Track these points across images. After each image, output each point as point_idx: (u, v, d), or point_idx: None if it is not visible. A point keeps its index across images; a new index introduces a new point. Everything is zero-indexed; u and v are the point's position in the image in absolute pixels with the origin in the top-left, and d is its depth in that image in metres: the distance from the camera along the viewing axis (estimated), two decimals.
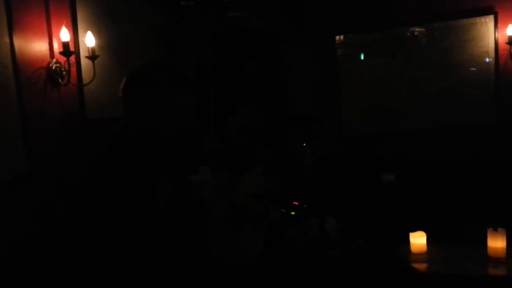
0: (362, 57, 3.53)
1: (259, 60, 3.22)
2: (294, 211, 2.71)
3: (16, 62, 1.87)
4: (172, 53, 3.10)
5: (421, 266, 2.31)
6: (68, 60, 2.09)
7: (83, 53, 2.23)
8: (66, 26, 2.11)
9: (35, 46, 1.99)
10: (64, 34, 2.04)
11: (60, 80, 2.09)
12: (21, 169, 1.85)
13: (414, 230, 2.43)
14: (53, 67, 2.06)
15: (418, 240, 2.39)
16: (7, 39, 1.83)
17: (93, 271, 1.28)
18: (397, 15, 3.37)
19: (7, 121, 1.82)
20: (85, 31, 2.21)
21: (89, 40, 2.18)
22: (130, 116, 1.37)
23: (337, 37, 3.51)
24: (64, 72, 2.11)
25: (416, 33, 3.48)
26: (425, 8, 3.29)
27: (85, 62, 2.24)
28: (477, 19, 3.20)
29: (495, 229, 2.24)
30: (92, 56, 2.18)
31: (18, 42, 1.88)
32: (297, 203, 2.77)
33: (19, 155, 1.85)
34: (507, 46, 3.10)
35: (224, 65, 3.12)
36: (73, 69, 2.18)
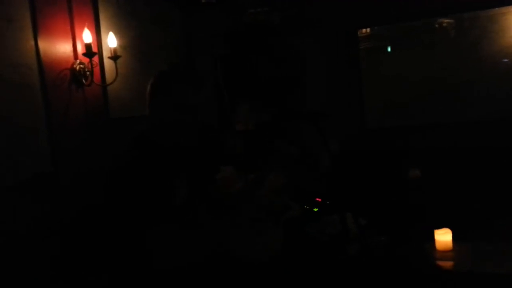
0: (389, 49, 3.47)
1: (273, 55, 3.22)
2: (316, 207, 2.70)
3: (41, 64, 1.94)
4: (191, 51, 3.14)
5: (447, 264, 2.26)
6: (91, 61, 2.14)
7: (106, 54, 2.29)
8: (89, 28, 2.16)
9: (59, 48, 2.06)
10: (87, 36, 2.10)
11: (83, 81, 2.15)
12: (46, 166, 1.91)
13: (439, 227, 2.38)
14: (77, 68, 2.13)
15: (443, 237, 2.33)
16: (32, 42, 1.91)
17: (110, 266, 1.32)
18: (423, 5, 3.28)
19: (33, 120, 1.89)
20: (108, 32, 2.26)
21: (111, 41, 2.23)
22: (155, 116, 1.45)
23: (361, 30, 3.46)
24: (87, 73, 2.17)
25: (444, 24, 3.39)
26: None
27: (108, 62, 2.29)
28: (506, 9, 3.09)
29: None
30: (114, 56, 2.23)
31: (43, 45, 1.95)
32: (320, 200, 2.76)
33: (44, 153, 1.92)
34: None
35: (240, 60, 3.14)
36: (97, 70, 2.24)
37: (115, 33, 2.29)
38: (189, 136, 1.43)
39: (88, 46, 2.10)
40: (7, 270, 1.67)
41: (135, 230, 1.28)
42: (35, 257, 1.80)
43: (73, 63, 2.12)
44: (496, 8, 3.11)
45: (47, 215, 1.89)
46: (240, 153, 1.84)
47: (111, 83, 2.28)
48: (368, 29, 3.48)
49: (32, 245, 1.80)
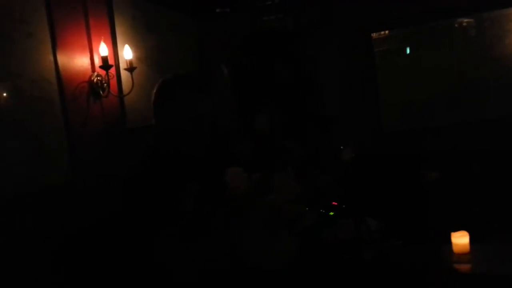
0: (407, 51, 3.45)
1: (287, 60, 3.25)
2: (332, 212, 2.70)
3: (60, 78, 2.01)
4: (206, 59, 3.19)
5: (464, 267, 2.23)
6: (107, 73, 2.22)
7: (122, 65, 2.36)
8: (106, 41, 2.24)
9: (77, 62, 2.14)
10: (103, 49, 2.17)
11: (101, 92, 2.23)
12: (66, 176, 1.99)
13: (456, 230, 2.35)
14: (95, 80, 2.20)
15: (460, 240, 2.30)
16: (51, 57, 1.98)
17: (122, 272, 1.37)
18: (439, 5, 3.25)
19: (53, 132, 1.97)
20: (124, 44, 2.34)
21: (127, 53, 2.30)
22: (160, 125, 1.48)
23: (378, 32, 3.46)
24: (105, 84, 2.24)
25: (464, 24, 3.35)
26: None
27: (124, 74, 2.36)
28: None
29: None
30: (130, 68, 2.29)
31: (61, 59, 2.03)
32: (336, 203, 2.76)
33: (64, 163, 1.99)
34: None
35: (256, 66, 3.18)
36: (113, 81, 2.31)
37: (131, 45, 2.36)
38: (194, 144, 1.45)
39: (104, 59, 2.17)
40: (22, 275, 1.72)
41: (144, 239, 1.31)
42: (52, 264, 1.87)
43: (91, 76, 2.19)
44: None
45: (66, 223, 1.95)
46: (249, 158, 1.86)
47: (127, 94, 2.35)
48: (387, 31, 3.47)
49: (49, 251, 1.87)
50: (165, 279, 1.33)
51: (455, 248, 2.32)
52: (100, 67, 2.19)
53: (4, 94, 1.76)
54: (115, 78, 2.33)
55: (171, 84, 1.49)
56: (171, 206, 1.36)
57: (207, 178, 1.55)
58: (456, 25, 3.32)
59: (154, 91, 1.48)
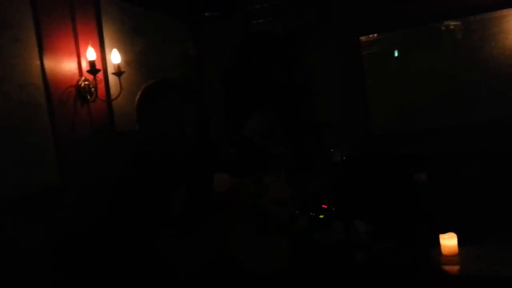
0: (395, 54, 3.48)
1: (278, 64, 3.26)
2: (322, 214, 2.71)
3: (47, 83, 2.00)
4: (196, 64, 3.19)
5: (453, 269, 2.25)
6: (95, 77, 2.21)
7: (110, 70, 2.35)
8: (93, 45, 2.23)
9: (65, 66, 2.12)
10: (90, 53, 2.16)
11: (88, 97, 2.21)
12: (53, 181, 1.98)
13: (444, 232, 2.37)
14: (82, 85, 2.19)
15: (448, 241, 2.33)
16: (38, 61, 1.97)
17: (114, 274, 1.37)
18: (424, 9, 3.29)
19: (40, 137, 1.95)
20: (112, 48, 2.32)
21: (114, 57, 2.29)
22: (143, 129, 1.51)
23: (367, 35, 3.48)
24: (92, 89, 2.23)
25: (451, 26, 3.39)
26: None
27: (112, 78, 2.35)
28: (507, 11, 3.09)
29: None
30: (118, 72, 2.28)
31: (48, 64, 2.01)
32: (325, 206, 2.77)
33: (52, 168, 1.98)
34: None
35: (247, 71, 3.18)
36: (101, 86, 2.30)
37: (120, 49, 2.35)
38: (177, 148, 1.47)
39: (92, 63, 2.16)
40: (12, 280, 1.72)
41: (135, 241, 1.33)
42: (42, 269, 1.86)
43: (78, 80, 2.18)
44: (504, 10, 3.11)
45: (54, 227, 1.94)
46: (236, 160, 1.87)
47: (115, 98, 2.34)
48: (375, 34, 3.50)
49: (39, 256, 1.86)
50: (167, 275, 1.35)
51: (444, 250, 2.35)
52: (88, 71, 2.18)
53: None
54: (103, 83, 2.32)
55: (152, 89, 1.52)
56: (160, 208, 1.37)
57: (194, 181, 1.56)
58: (443, 28, 3.35)
59: (137, 97, 1.51)
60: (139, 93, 1.52)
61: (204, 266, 1.38)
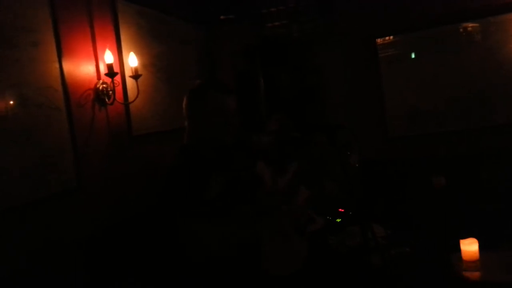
0: (412, 56, 3.44)
1: (292, 67, 3.24)
2: (339, 218, 2.69)
3: (66, 86, 2.02)
4: (211, 66, 3.20)
5: (474, 275, 2.20)
6: (113, 80, 2.22)
7: (127, 73, 2.36)
8: (111, 48, 2.25)
9: (83, 69, 2.14)
10: (108, 57, 2.17)
11: (106, 100, 2.23)
12: (71, 183, 1.99)
13: (464, 236, 2.32)
14: (100, 88, 2.20)
15: (469, 247, 2.28)
16: (57, 65, 1.99)
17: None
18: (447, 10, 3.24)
19: (59, 139, 1.97)
20: (129, 51, 2.34)
21: (132, 60, 2.30)
22: (193, 122, 1.75)
23: (383, 38, 3.45)
24: (110, 92, 2.24)
25: (469, 28, 3.34)
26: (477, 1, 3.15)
27: (129, 81, 2.37)
28: None
29: None
30: (135, 75, 2.29)
31: (67, 67, 2.03)
32: (342, 210, 2.74)
33: (70, 171, 1.99)
34: None
35: (260, 74, 3.18)
36: (119, 88, 2.32)
37: (136, 52, 2.37)
38: (226, 135, 1.71)
39: (109, 67, 2.18)
40: (34, 279, 1.73)
41: (172, 221, 1.57)
42: (62, 268, 1.87)
43: (96, 83, 2.19)
44: None
45: (71, 230, 1.95)
46: (270, 149, 1.95)
47: (132, 101, 2.35)
48: (391, 37, 3.46)
49: (58, 255, 1.87)
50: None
51: (464, 255, 2.29)
52: (106, 74, 2.19)
53: (11, 102, 1.76)
54: (120, 86, 2.33)
55: (199, 88, 1.78)
56: (198, 193, 1.58)
57: (236, 167, 1.76)
58: (461, 30, 3.30)
59: (184, 98, 1.76)
60: (186, 95, 1.76)
61: (236, 250, 1.56)
